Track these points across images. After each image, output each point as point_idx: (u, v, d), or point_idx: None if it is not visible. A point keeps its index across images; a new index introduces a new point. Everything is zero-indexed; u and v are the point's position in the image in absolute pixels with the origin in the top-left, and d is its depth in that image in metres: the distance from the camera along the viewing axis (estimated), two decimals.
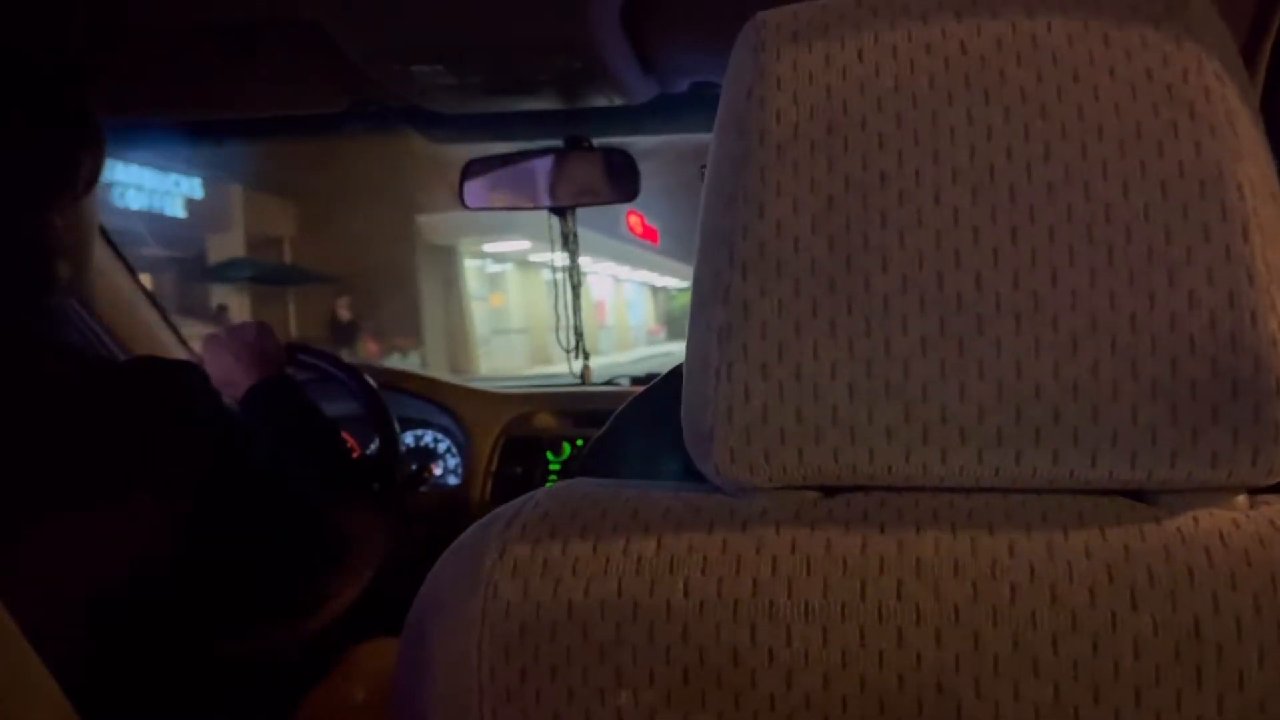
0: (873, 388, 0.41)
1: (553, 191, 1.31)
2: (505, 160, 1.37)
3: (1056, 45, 0.42)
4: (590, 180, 1.29)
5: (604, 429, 0.86)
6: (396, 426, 1.38)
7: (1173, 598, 0.39)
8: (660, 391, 0.83)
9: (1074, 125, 0.41)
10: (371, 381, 1.39)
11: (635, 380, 1.80)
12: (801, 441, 0.42)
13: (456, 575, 0.46)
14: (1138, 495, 0.43)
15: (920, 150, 0.41)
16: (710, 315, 0.43)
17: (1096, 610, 0.39)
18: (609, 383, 1.90)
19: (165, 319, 1.56)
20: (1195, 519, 0.41)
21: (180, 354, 1.58)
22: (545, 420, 1.63)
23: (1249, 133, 0.41)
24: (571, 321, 1.77)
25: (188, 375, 0.85)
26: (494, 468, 1.60)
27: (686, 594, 0.42)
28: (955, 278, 0.40)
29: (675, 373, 0.91)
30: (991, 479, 0.42)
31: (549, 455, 1.57)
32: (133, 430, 0.80)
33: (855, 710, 0.40)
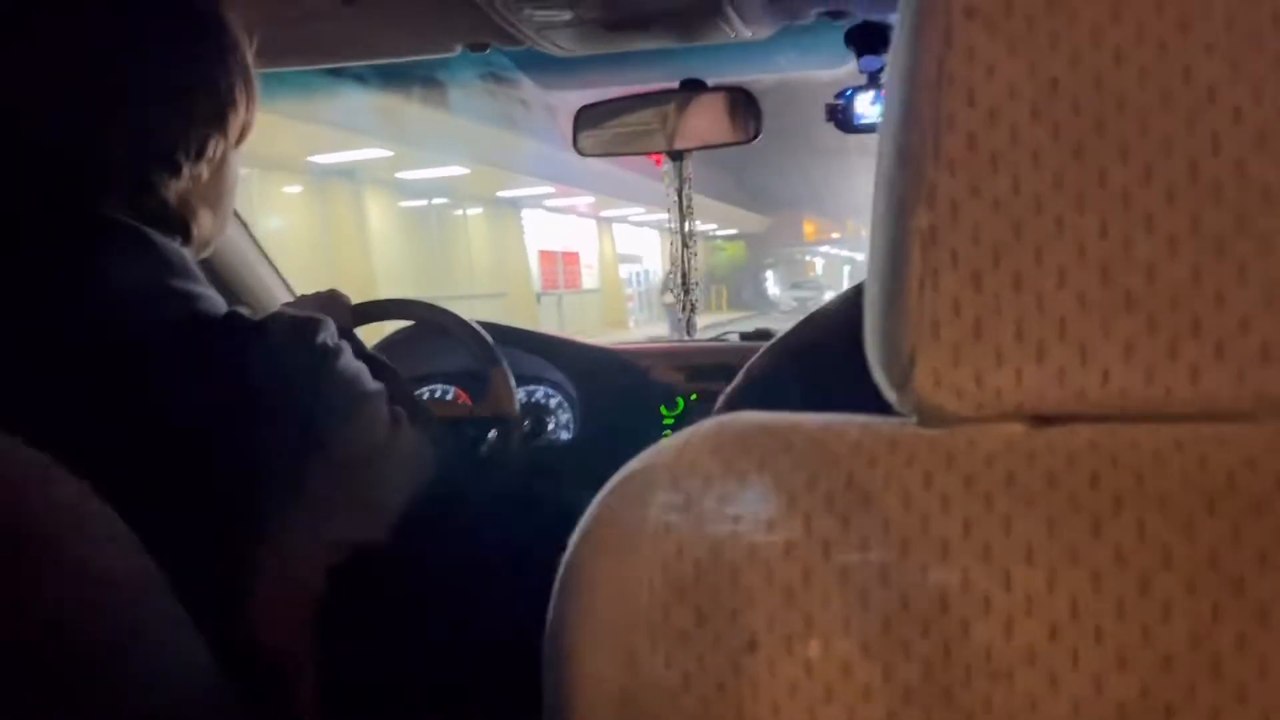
0: (1109, 298, 0.35)
1: (670, 135, 1.26)
2: (618, 106, 1.33)
3: None
4: (709, 122, 1.24)
5: (737, 381, 0.82)
6: (513, 382, 1.36)
7: None
8: (807, 333, 0.78)
9: None
10: (487, 336, 1.37)
11: (744, 336, 1.74)
12: (1021, 361, 0.36)
13: (621, 511, 0.42)
14: None
15: (1164, 19, 0.35)
16: (908, 220, 0.38)
17: None
18: (718, 338, 1.85)
19: (279, 275, 1.56)
20: None
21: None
22: (658, 375, 1.59)
23: None
24: (680, 273, 1.72)
25: (324, 330, 0.83)
26: (608, 423, 1.57)
27: (886, 533, 0.37)
28: (1211, 165, 0.35)
29: (813, 317, 0.86)
30: (1251, 403, 0.36)
31: (663, 410, 1.54)
32: (283, 386, 0.79)
33: (1088, 665, 0.35)
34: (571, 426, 1.61)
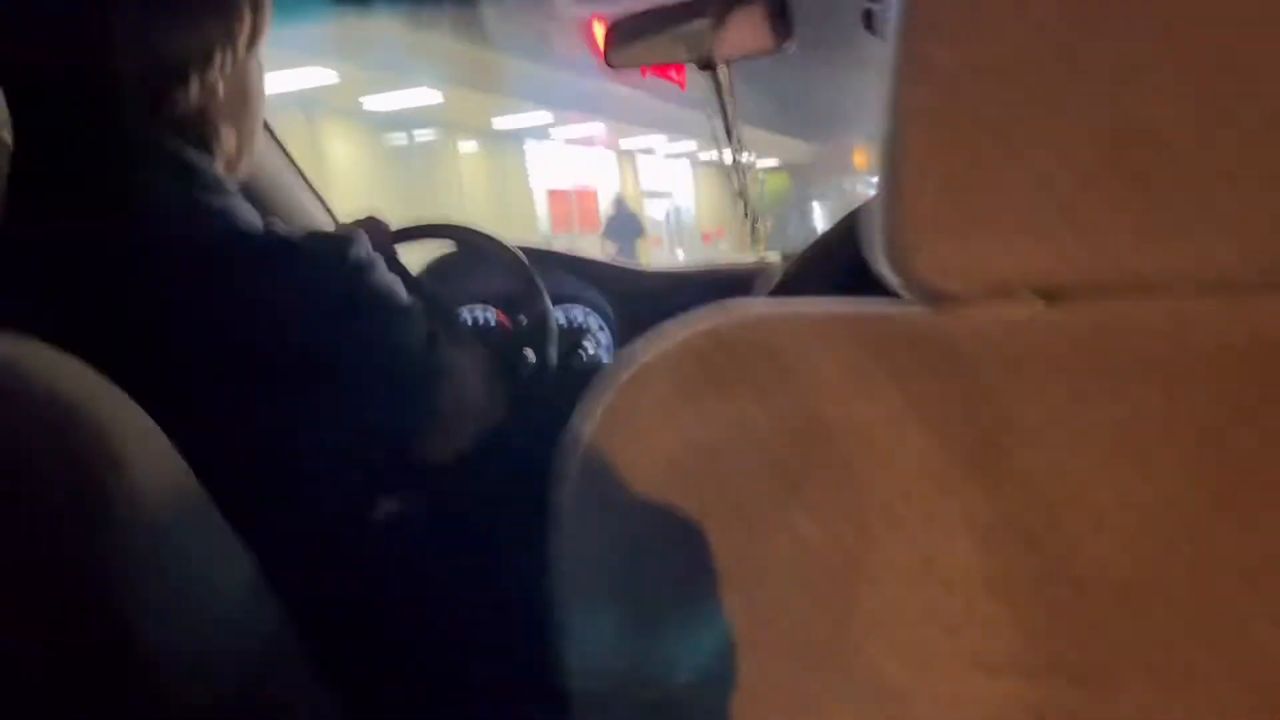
0: (1115, 172, 0.34)
1: (703, 45, 1.23)
2: (651, 17, 1.30)
3: None
4: (742, 29, 1.21)
5: (778, 277, 0.81)
6: (549, 301, 1.36)
7: None
8: (835, 232, 0.77)
9: None
10: (522, 255, 1.37)
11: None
12: (1024, 242, 0.35)
13: (622, 405, 0.42)
14: None
15: None
16: (910, 96, 0.36)
17: None
18: (760, 261, 1.82)
19: (316, 194, 1.57)
20: None
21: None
22: (694, 295, 1.58)
23: None
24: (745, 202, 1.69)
25: (359, 245, 0.83)
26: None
27: (888, 416, 0.37)
28: (1219, 33, 0.33)
29: (825, 234, 0.84)
30: (1264, 276, 0.34)
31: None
32: (319, 301, 0.79)
33: (1086, 537, 0.35)
34: (612, 349, 1.61)
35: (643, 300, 1.61)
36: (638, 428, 0.41)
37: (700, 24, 1.23)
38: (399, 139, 13.19)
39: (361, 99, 11.90)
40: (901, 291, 0.39)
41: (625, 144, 17.91)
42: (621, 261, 1.70)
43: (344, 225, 1.24)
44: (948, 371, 0.37)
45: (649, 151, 18.70)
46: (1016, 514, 0.35)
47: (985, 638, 0.35)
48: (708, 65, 1.25)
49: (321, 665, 0.64)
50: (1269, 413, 0.33)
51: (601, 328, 1.63)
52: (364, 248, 0.84)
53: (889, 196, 0.38)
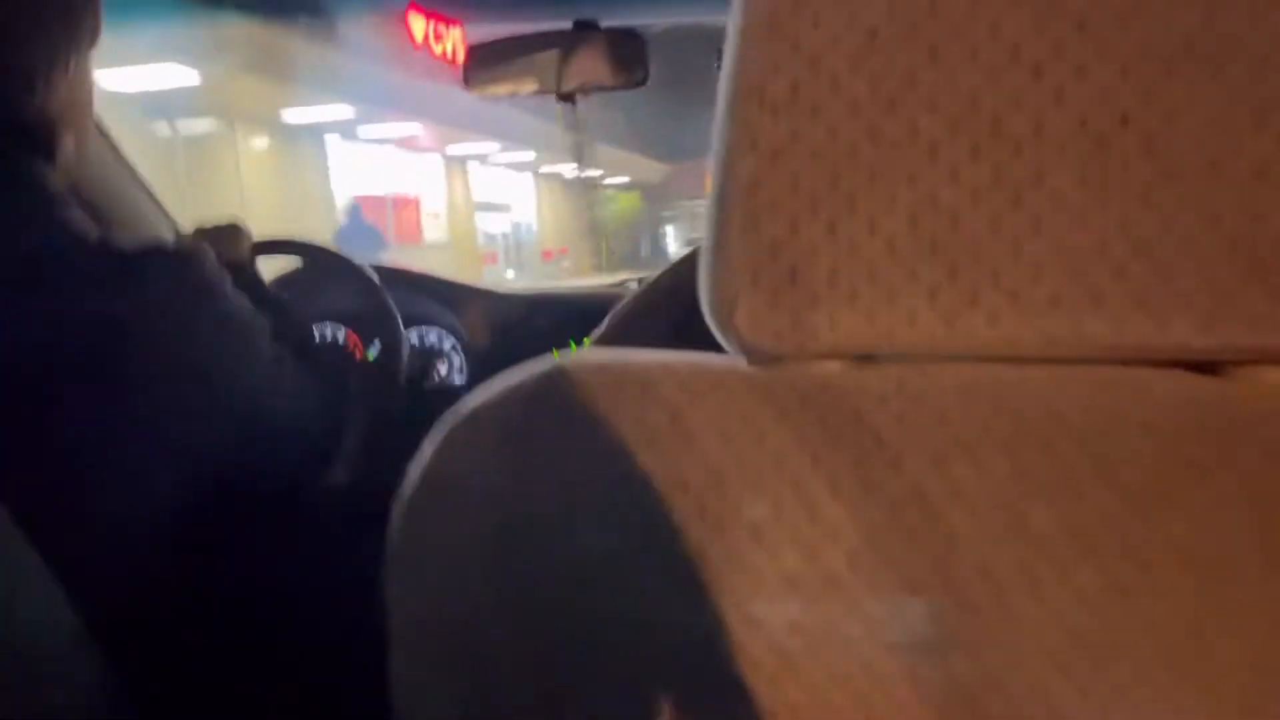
0: (916, 245, 0.37)
1: (560, 76, 1.25)
2: (511, 45, 1.31)
3: None
4: (598, 64, 1.23)
5: (601, 328, 0.83)
6: (400, 323, 1.35)
7: (1240, 476, 0.36)
8: (663, 282, 0.79)
9: None
10: (374, 276, 1.35)
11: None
12: (834, 305, 0.38)
13: (449, 458, 0.43)
14: (1201, 367, 0.39)
15: None
16: (737, 166, 0.39)
17: (1156, 489, 0.36)
18: (620, 284, 1.86)
19: (154, 198, 1.50)
20: (1271, 391, 0.38)
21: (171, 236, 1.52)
22: (550, 319, 1.60)
23: None
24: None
25: (201, 260, 0.81)
26: (501, 368, 1.57)
27: (704, 468, 0.39)
28: (1013, 121, 0.36)
29: (676, 265, 0.87)
30: (1044, 348, 0.38)
31: (554, 354, 1.54)
32: (156, 318, 0.77)
33: (886, 589, 0.37)
34: (465, 370, 1.61)
35: (497, 323, 1.62)
36: (461, 481, 0.41)
37: (555, 55, 1.25)
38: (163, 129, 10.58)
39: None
40: (726, 347, 0.41)
41: (453, 149, 16.02)
42: (477, 283, 1.70)
43: (199, 231, 1.19)
44: (764, 426, 0.39)
45: (482, 159, 16.61)
46: (820, 565, 0.38)
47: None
48: (565, 96, 1.27)
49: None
50: (1051, 479, 0.36)
51: (454, 349, 1.63)
52: (208, 263, 0.82)
53: (713, 257, 0.40)
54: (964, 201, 0.37)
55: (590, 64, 1.24)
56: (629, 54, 1.21)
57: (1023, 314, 0.37)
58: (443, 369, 1.61)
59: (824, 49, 0.37)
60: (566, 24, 1.29)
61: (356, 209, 11.15)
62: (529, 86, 1.29)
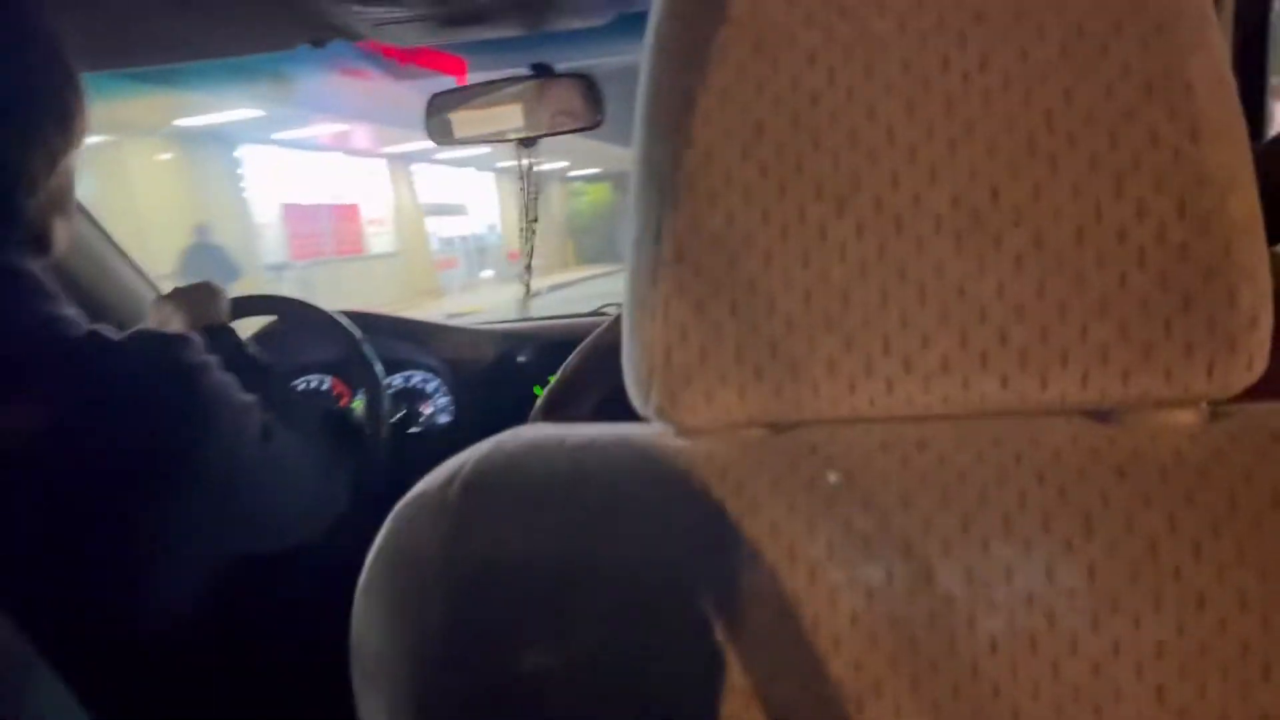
0: (812, 320, 0.40)
1: (519, 122, 1.28)
2: (470, 93, 1.33)
3: None
4: (557, 107, 1.26)
5: (557, 380, 0.85)
6: (379, 369, 1.37)
7: (1128, 520, 0.38)
8: (611, 335, 0.81)
9: (1011, 29, 0.39)
10: (350, 325, 1.38)
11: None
12: (742, 380, 0.41)
13: (403, 536, 0.45)
14: (1093, 414, 0.42)
15: (851, 66, 0.39)
16: (645, 254, 0.41)
17: (1051, 536, 0.39)
18: (596, 312, 1.88)
19: (138, 271, 1.54)
20: (1152, 437, 0.40)
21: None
22: (529, 354, 1.62)
23: (1197, 25, 0.39)
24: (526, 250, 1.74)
25: (189, 348, 0.83)
26: (485, 405, 1.59)
27: (632, 542, 0.41)
28: (893, 199, 0.39)
29: (614, 321, 0.89)
30: (940, 407, 0.40)
31: (536, 390, 1.57)
32: (147, 406, 0.79)
33: (807, 643, 0.40)
34: (451, 409, 1.63)
35: (478, 360, 1.64)
36: (407, 568, 0.44)
37: (514, 102, 1.28)
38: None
39: None
40: (649, 420, 0.44)
41: (391, 149, 14.38)
42: (451, 322, 1.73)
43: (178, 290, 1.20)
44: (687, 495, 0.41)
45: (428, 156, 14.67)
46: (749, 626, 0.40)
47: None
48: (525, 142, 1.30)
49: None
50: (953, 532, 0.39)
51: (439, 390, 1.65)
52: (194, 350, 0.84)
53: (631, 339, 0.42)
54: (854, 277, 0.39)
55: (549, 109, 1.26)
56: (584, 94, 1.24)
57: (915, 378, 0.40)
58: (426, 409, 1.64)
59: (716, 142, 0.40)
60: (523, 69, 1.31)
61: (204, 230, 9.80)
62: (489, 133, 1.31)
